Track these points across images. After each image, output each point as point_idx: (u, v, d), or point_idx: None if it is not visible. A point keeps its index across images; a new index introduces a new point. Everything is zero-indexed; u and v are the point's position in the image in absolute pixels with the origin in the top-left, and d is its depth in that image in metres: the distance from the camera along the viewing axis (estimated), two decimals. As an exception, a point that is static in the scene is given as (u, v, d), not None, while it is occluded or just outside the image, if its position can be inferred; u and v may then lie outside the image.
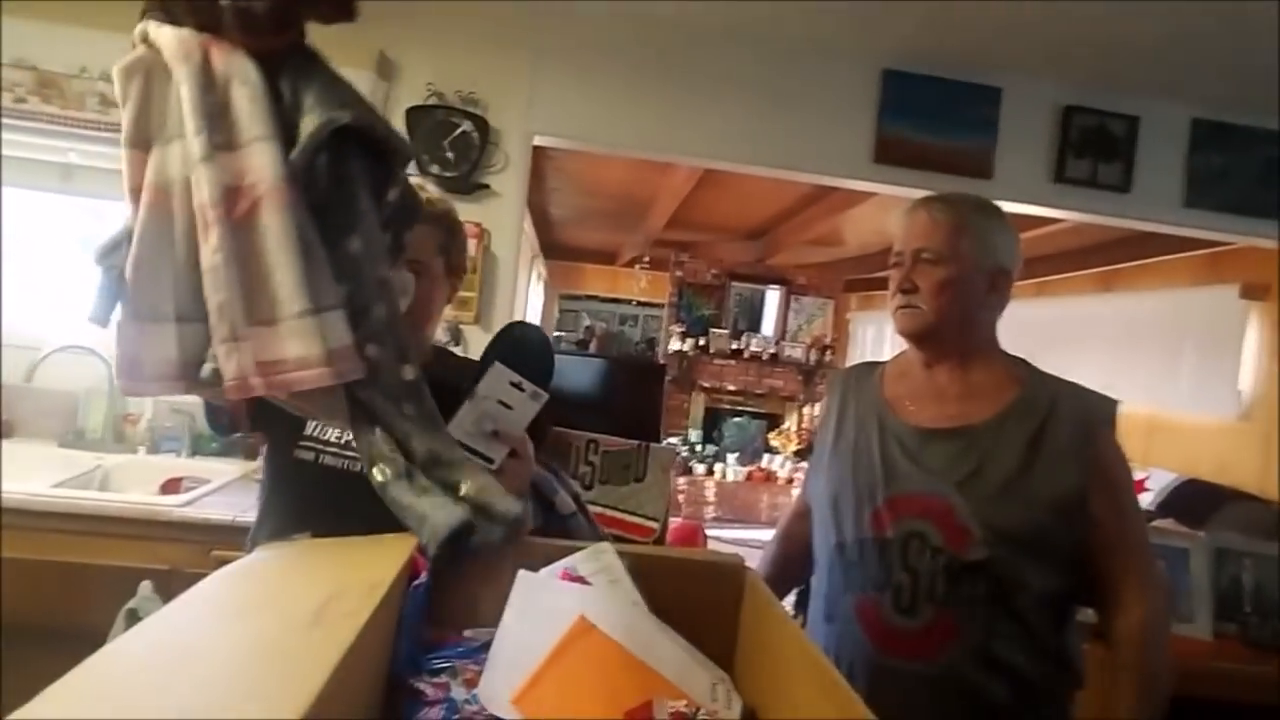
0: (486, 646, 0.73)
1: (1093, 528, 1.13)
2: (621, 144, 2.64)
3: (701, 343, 7.26)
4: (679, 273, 7.46)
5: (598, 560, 0.85)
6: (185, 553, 1.87)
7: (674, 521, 4.28)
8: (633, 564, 0.85)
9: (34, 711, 0.41)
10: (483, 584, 0.81)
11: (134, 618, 1.69)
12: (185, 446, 2.45)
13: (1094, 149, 2.64)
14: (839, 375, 1.44)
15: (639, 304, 9.17)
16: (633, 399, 5.99)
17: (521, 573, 0.80)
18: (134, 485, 2.25)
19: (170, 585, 1.82)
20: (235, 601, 0.63)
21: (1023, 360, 1.27)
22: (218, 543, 1.88)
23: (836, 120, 2.60)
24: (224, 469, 2.35)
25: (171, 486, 2.25)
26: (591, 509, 2.37)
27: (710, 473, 6.95)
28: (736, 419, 7.51)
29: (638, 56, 2.54)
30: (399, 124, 2.46)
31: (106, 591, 1.74)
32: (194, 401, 2.49)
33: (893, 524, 1.18)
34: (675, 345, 7.23)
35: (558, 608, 0.76)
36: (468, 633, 0.78)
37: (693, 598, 0.84)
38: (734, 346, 7.29)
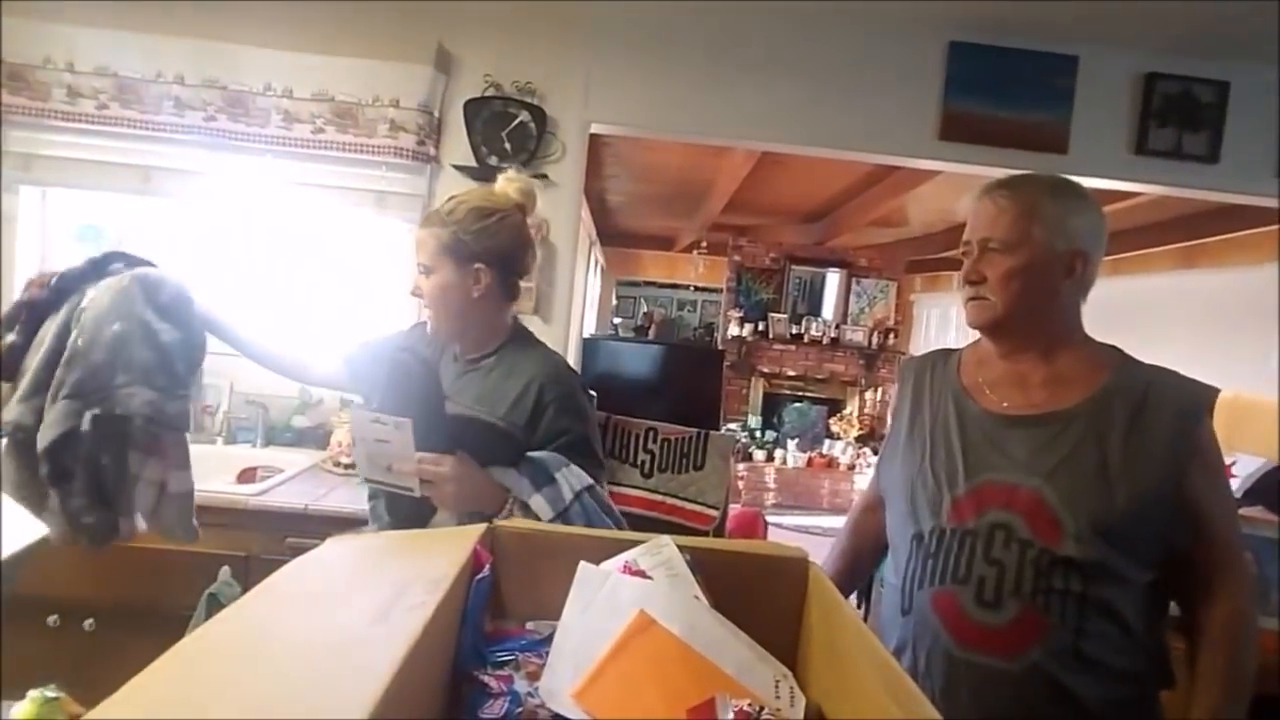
0: (549, 639, 0.74)
1: (1188, 518, 1.08)
2: (678, 129, 2.61)
3: (760, 327, 7.19)
4: (737, 257, 7.39)
5: (658, 553, 0.85)
6: (261, 540, 1.95)
7: (733, 508, 4.26)
8: (693, 557, 0.84)
9: (121, 705, 0.43)
10: (544, 577, 0.82)
11: (214, 601, 1.77)
12: (259, 437, 2.54)
13: (1178, 117, 2.50)
14: (911, 362, 1.40)
15: (697, 289, 9.14)
16: (691, 385, 6.01)
17: (581, 565, 0.81)
18: (211, 475, 2.34)
19: (247, 571, 1.90)
20: (307, 593, 0.65)
21: (1112, 347, 1.21)
22: (291, 530, 1.95)
23: (900, 96, 2.52)
24: (297, 459, 2.43)
25: (247, 476, 2.34)
26: (650, 497, 2.40)
27: (770, 459, 6.90)
28: (796, 404, 7.43)
29: (693, 40, 2.51)
30: (457, 116, 2.49)
31: (189, 576, 1.82)
32: (269, 393, 2.58)
33: (975, 515, 1.14)
34: (734, 330, 7.18)
35: (618, 602, 0.76)
36: (530, 625, 0.78)
37: (754, 591, 0.82)
38: (794, 331, 7.20)
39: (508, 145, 2.48)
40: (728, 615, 0.76)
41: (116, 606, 1.87)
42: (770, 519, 5.38)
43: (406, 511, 1.33)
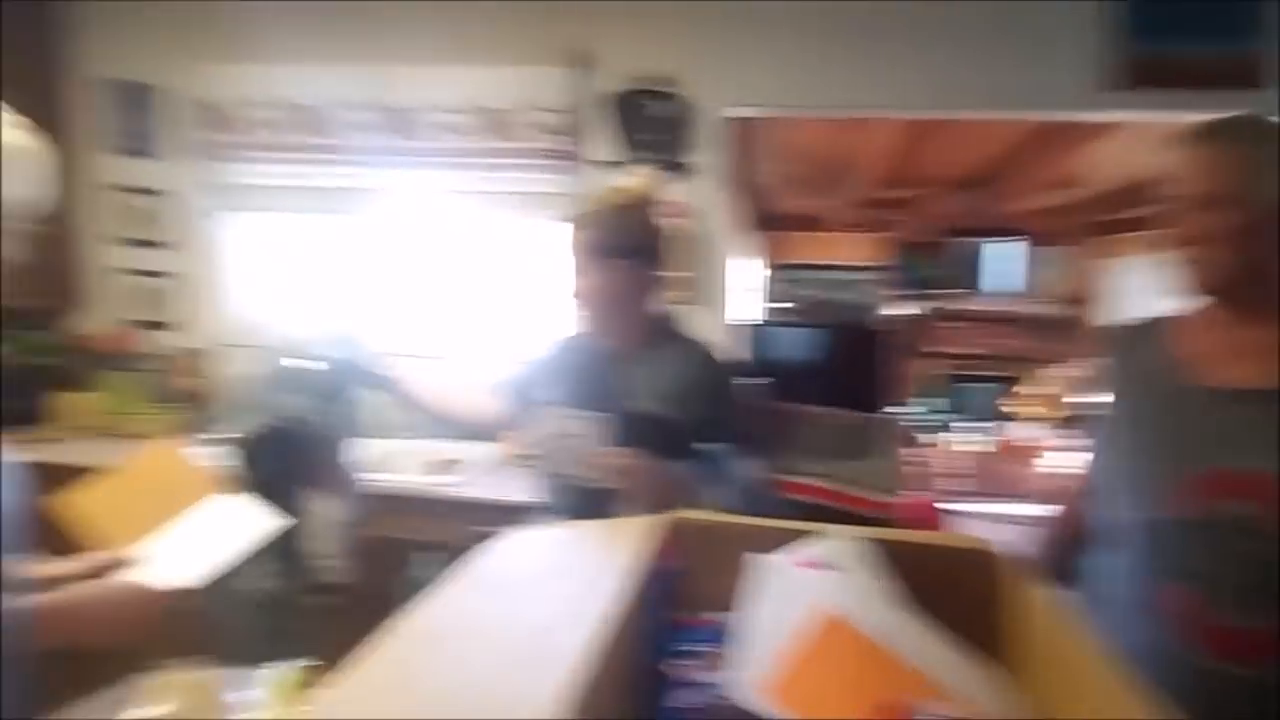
0: (731, 631, 0.72)
1: None
2: (822, 105, 2.52)
3: (926, 305, 6.83)
4: (895, 232, 7.05)
5: (835, 544, 0.81)
6: (451, 528, 2.07)
7: (907, 496, 4.06)
8: (871, 548, 0.80)
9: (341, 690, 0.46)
10: (727, 567, 0.81)
11: (416, 585, 1.90)
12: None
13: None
14: (1113, 333, 1.25)
15: (854, 268, 8.80)
16: (854, 368, 5.77)
17: (755, 557, 0.78)
18: (405, 467, 2.52)
19: (446, 558, 2.03)
20: (498, 583, 0.67)
21: None
22: (479, 520, 2.06)
23: (1062, 45, 2.28)
24: (488, 453, 2.54)
25: (438, 468, 2.50)
26: (822, 485, 2.33)
27: (945, 443, 6.54)
28: (970, 384, 6.99)
29: (830, 12, 2.40)
30: (595, 114, 2.52)
31: (382, 560, 1.96)
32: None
33: (1207, 504, 1.00)
34: (897, 309, 6.86)
35: (797, 595, 0.73)
36: (714, 617, 0.77)
37: (934, 585, 0.77)
38: (962, 306, 6.77)
39: (650, 137, 2.48)
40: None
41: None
42: (947, 507, 5.09)
43: (588, 504, 1.37)
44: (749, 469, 1.32)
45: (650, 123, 2.48)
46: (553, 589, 0.62)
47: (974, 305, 6.72)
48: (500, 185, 2.58)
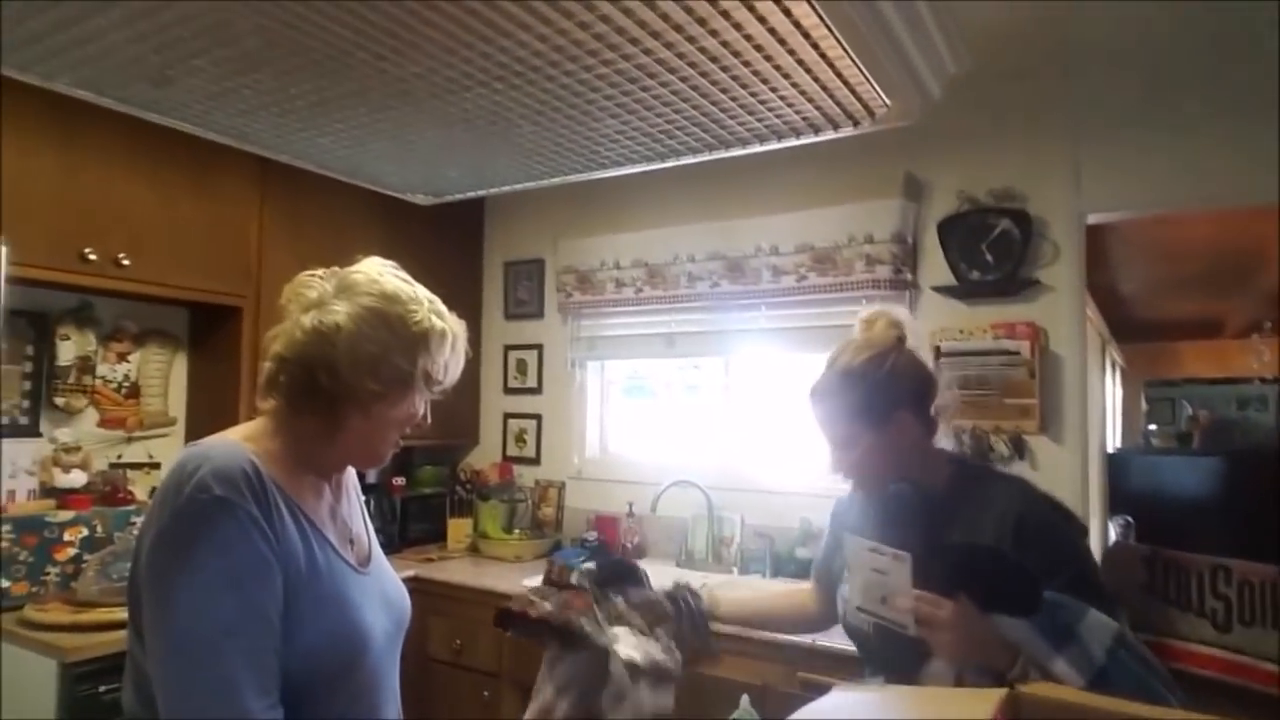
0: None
1: None
2: (1205, 198, 2.20)
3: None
4: (1323, 335, 5.69)
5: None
6: (776, 671, 2.03)
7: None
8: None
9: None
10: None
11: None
12: (768, 567, 2.70)
13: None
14: None
15: (1265, 382, 7.22)
16: (1272, 507, 4.63)
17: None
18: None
19: (765, 702, 1.98)
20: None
21: None
22: (801, 663, 2.00)
23: None
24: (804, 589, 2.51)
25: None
26: (1230, 659, 1.87)
27: None
28: None
29: (1201, 92, 2.13)
30: (930, 240, 2.47)
31: (709, 700, 1.97)
32: (775, 525, 2.74)
33: None
34: (1332, 431, 5.43)
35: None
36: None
37: None
38: None
39: (989, 257, 2.36)
40: None
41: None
42: None
43: (899, 651, 1.23)
44: (1106, 630, 1.08)
45: (989, 242, 2.37)
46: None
47: None
48: (830, 320, 2.62)
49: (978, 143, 2.43)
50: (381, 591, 1.07)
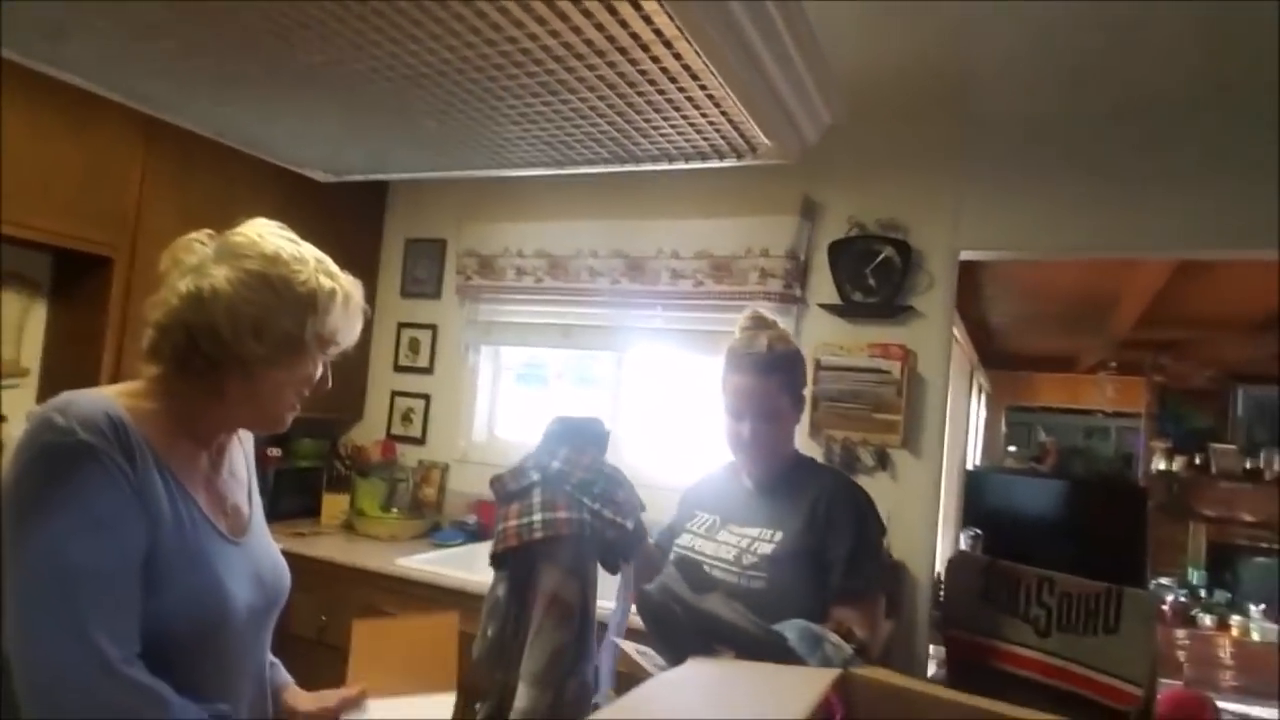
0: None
1: None
2: (1067, 247, 2.42)
3: (1198, 461, 5.93)
4: (1159, 377, 6.30)
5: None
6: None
7: (1169, 686, 3.43)
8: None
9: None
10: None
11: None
12: (646, 558, 2.78)
13: None
14: None
15: (1107, 415, 7.92)
16: (1104, 529, 5.13)
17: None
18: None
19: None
20: (661, 714, 0.71)
21: None
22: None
23: None
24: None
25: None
26: (1048, 661, 2.08)
27: (1224, 627, 5.47)
28: (1260, 559, 5.87)
29: (1075, 148, 2.34)
30: (821, 259, 2.61)
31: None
32: (654, 520, 2.81)
33: None
34: (1159, 464, 6.03)
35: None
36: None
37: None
38: (1248, 465, 5.80)
39: (872, 281, 2.52)
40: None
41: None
42: (1227, 706, 4.21)
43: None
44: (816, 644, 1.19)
45: (873, 267, 2.51)
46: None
47: (1265, 464, 5.72)
48: (722, 326, 2.71)
49: (871, 174, 2.58)
50: (254, 566, 1.05)
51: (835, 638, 1.19)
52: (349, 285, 1.06)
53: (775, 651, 1.10)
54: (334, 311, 1.02)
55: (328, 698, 1.20)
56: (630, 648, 1.26)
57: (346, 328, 1.06)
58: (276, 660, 1.19)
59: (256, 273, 0.97)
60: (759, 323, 1.58)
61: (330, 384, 1.08)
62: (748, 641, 1.11)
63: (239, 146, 2.19)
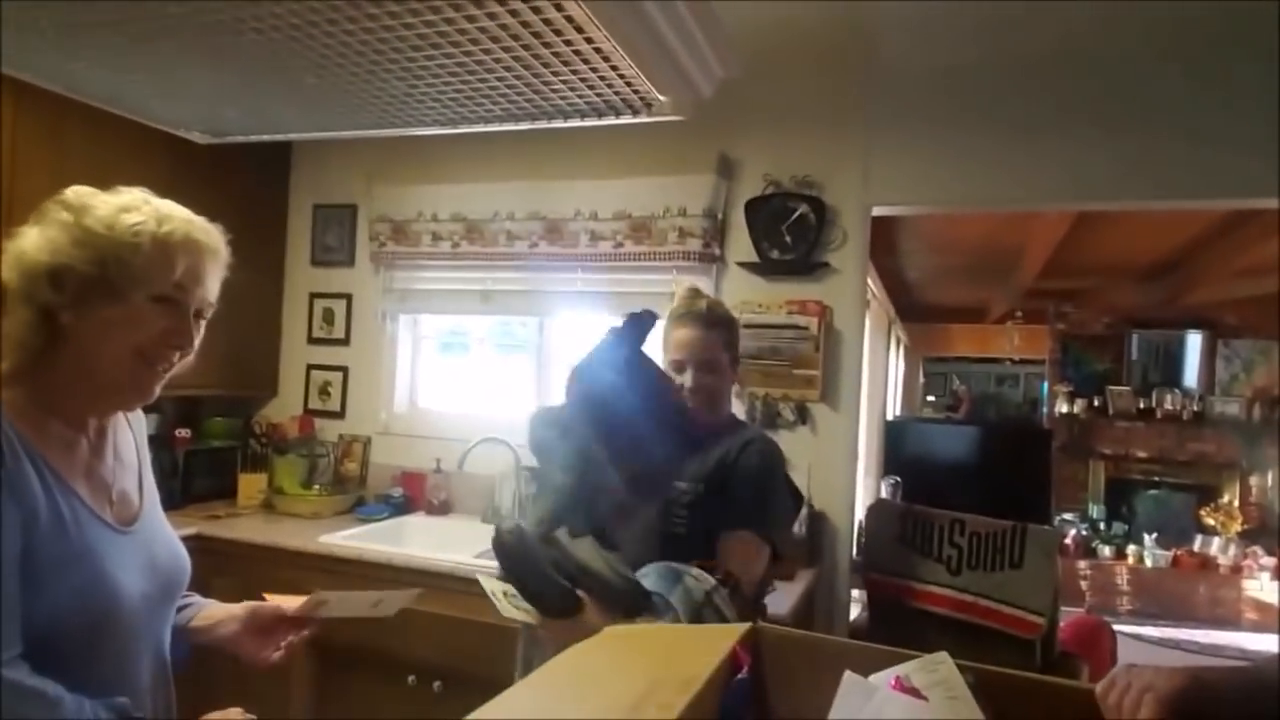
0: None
1: None
2: (973, 200, 2.49)
3: (1097, 403, 6.30)
4: (1060, 325, 6.63)
5: (934, 671, 0.79)
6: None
7: (1072, 613, 3.68)
8: (977, 679, 0.77)
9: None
10: (806, 683, 0.80)
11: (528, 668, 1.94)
12: (575, 521, 2.79)
13: None
14: None
15: (1015, 363, 8.31)
16: (1013, 470, 5.41)
17: (847, 675, 0.78)
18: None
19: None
20: (572, 680, 0.71)
21: None
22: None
23: (1259, 127, 2.13)
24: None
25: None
26: (958, 597, 2.19)
27: (1121, 556, 5.89)
28: (1152, 491, 6.31)
29: (980, 103, 2.40)
30: (738, 217, 2.62)
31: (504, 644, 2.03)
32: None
33: None
34: (1062, 407, 6.38)
35: (886, 718, 0.72)
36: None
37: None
38: (1141, 405, 6.20)
39: (788, 238, 2.54)
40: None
41: (444, 668, 2.17)
42: (1124, 629, 4.55)
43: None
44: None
45: (789, 224, 2.54)
46: (616, 692, 0.64)
47: (1156, 403, 6.12)
48: (643, 286, 2.71)
49: (785, 131, 2.59)
50: (147, 553, 1.00)
51: (696, 571, 1.26)
52: (183, 225, 0.95)
53: (633, 598, 1.17)
54: (143, 249, 0.91)
55: (290, 602, 1.23)
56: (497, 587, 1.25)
57: (164, 265, 0.93)
58: (193, 598, 1.18)
59: (55, 220, 0.93)
60: (697, 292, 1.69)
61: (195, 345, 0.98)
62: (607, 590, 1.15)
63: (98, 104, 2.04)
